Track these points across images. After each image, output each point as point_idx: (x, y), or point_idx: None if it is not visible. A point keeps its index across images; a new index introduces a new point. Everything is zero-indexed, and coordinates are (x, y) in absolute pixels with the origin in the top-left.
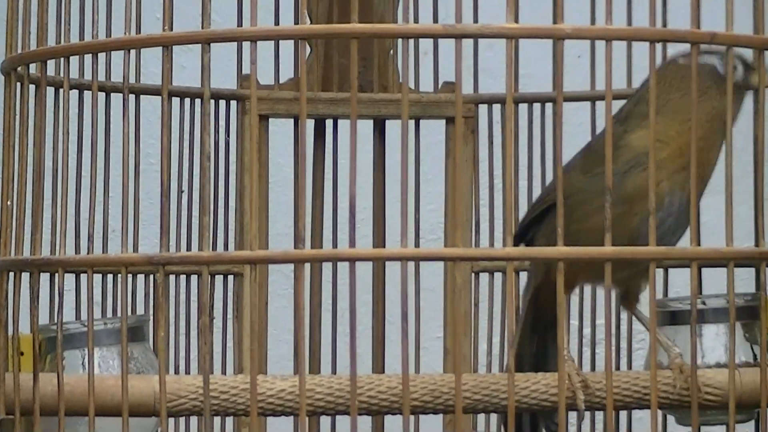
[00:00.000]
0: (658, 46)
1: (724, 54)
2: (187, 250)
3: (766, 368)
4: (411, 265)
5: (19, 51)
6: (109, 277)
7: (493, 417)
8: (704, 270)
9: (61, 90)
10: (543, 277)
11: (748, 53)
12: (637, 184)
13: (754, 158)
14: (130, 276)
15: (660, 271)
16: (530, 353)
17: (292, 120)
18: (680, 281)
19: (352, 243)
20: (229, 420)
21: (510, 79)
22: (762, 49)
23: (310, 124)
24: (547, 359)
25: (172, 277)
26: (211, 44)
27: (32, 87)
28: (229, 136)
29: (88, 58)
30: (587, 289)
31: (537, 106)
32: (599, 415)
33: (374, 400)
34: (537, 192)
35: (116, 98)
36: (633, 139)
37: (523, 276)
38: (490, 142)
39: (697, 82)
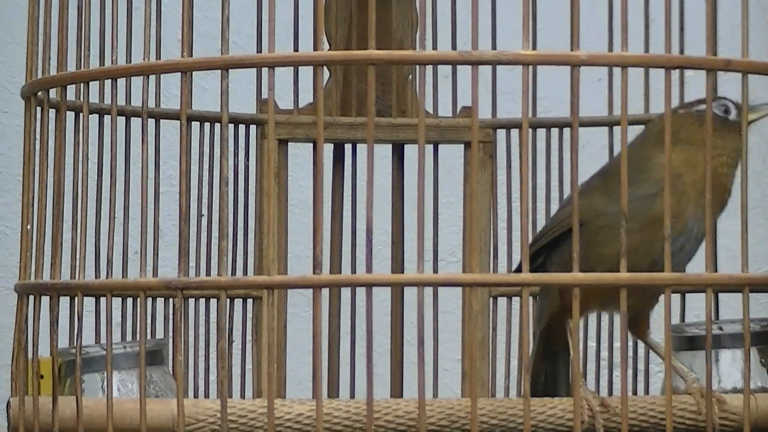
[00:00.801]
0: (674, 73)
1: (720, 101)
2: (206, 274)
3: None
4: (429, 288)
5: (40, 76)
6: (129, 300)
7: None
8: (722, 294)
9: (81, 115)
10: (557, 303)
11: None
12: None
13: None
14: (149, 300)
15: (677, 296)
16: (542, 381)
17: (311, 144)
18: (699, 305)
19: (369, 268)
20: None
21: (526, 105)
22: None
23: (329, 148)
24: (558, 385)
25: (191, 301)
26: (230, 70)
27: (52, 111)
28: (248, 160)
29: (107, 82)
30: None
31: (555, 131)
32: None
33: (391, 425)
34: None
35: (136, 122)
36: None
37: None
38: (509, 167)
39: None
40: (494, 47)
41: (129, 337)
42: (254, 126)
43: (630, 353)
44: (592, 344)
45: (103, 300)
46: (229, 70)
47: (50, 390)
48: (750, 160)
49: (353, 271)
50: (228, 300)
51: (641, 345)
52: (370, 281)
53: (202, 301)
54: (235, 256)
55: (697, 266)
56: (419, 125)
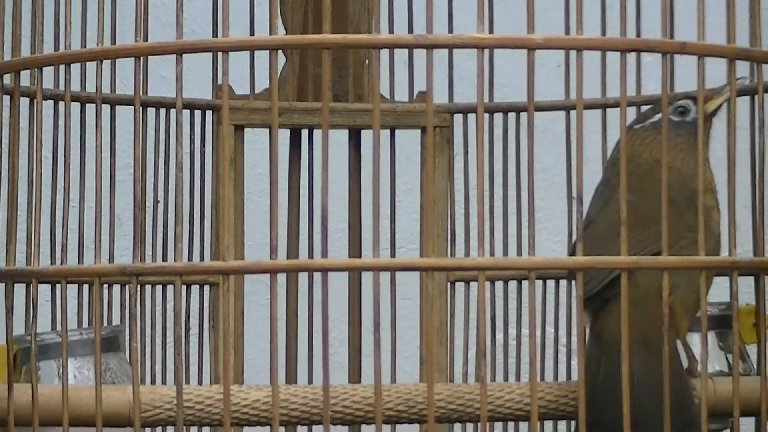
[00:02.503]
0: (632, 57)
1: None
2: (163, 260)
3: (738, 377)
4: (387, 275)
5: None
6: (85, 287)
7: (470, 426)
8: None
9: (35, 100)
10: None
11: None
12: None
13: (728, 168)
14: (105, 286)
15: None
16: None
17: (267, 130)
18: None
19: (325, 253)
20: (206, 430)
21: (481, 89)
22: (733, 59)
23: (285, 134)
24: None
25: (147, 287)
26: (185, 55)
27: (6, 97)
28: (204, 146)
29: (62, 68)
30: (563, 299)
31: (512, 115)
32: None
33: (349, 410)
34: (512, 202)
35: (91, 108)
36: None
37: (499, 285)
38: (465, 152)
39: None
40: (451, 32)
41: (85, 324)
42: (210, 112)
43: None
44: (550, 329)
45: (58, 287)
46: (186, 56)
47: (5, 377)
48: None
49: (310, 257)
50: (185, 286)
51: None
52: (325, 266)
53: (159, 287)
54: (191, 242)
55: None
56: (374, 110)
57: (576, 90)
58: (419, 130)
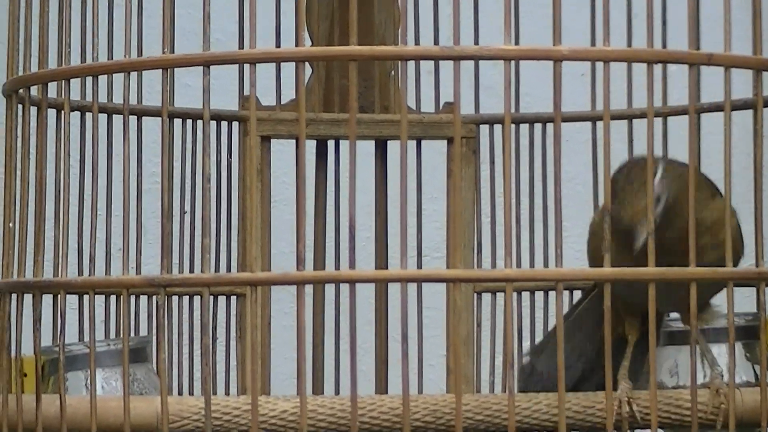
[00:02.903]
0: (657, 67)
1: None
2: (190, 271)
3: (766, 388)
4: (413, 285)
5: (21, 73)
6: (112, 298)
7: None
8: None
9: (62, 112)
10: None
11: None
12: None
13: (754, 178)
14: (132, 297)
15: None
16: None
17: (294, 141)
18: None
19: (352, 264)
20: None
21: (508, 100)
22: (759, 70)
23: (311, 145)
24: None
25: (175, 298)
26: (212, 66)
27: (34, 109)
28: (231, 157)
29: (89, 79)
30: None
31: (538, 126)
32: None
33: (376, 421)
34: (538, 212)
35: (118, 120)
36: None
37: (525, 296)
38: (492, 162)
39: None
40: (476, 43)
41: (112, 335)
42: (237, 123)
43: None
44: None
45: (86, 298)
46: (212, 67)
47: (34, 388)
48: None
49: (337, 267)
50: (211, 297)
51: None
52: (353, 278)
53: (186, 298)
54: (218, 253)
55: None
56: (402, 121)
57: (603, 102)
58: (444, 141)
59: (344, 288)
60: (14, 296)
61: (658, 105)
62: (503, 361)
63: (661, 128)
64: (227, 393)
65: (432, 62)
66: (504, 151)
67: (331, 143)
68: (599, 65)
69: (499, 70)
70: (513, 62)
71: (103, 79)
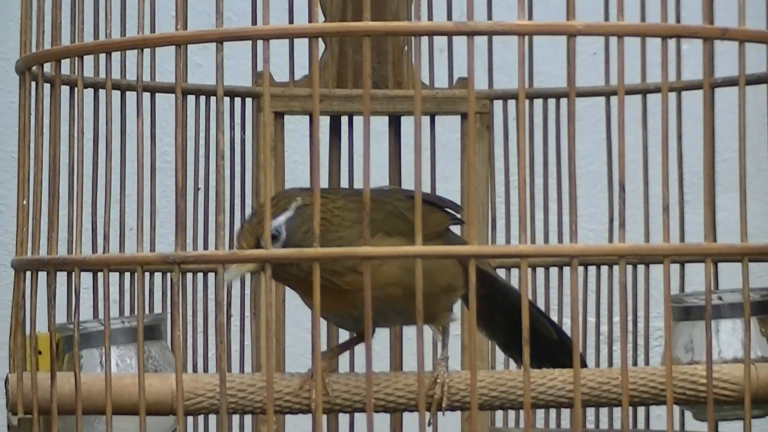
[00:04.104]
0: (671, 42)
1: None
2: (204, 248)
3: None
4: None
5: (34, 50)
6: (126, 275)
7: (511, 413)
8: (721, 265)
9: (76, 89)
10: None
11: None
12: None
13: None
14: (146, 274)
15: (676, 267)
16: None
17: (307, 117)
18: (698, 279)
19: (368, 241)
20: (248, 417)
21: (522, 76)
22: None
23: (325, 121)
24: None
25: (189, 275)
26: (225, 43)
27: (47, 86)
28: (244, 133)
29: (102, 56)
30: (604, 286)
31: (552, 102)
32: (618, 412)
33: (391, 397)
34: (552, 188)
35: (131, 96)
36: None
37: (540, 272)
38: (506, 138)
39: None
40: (489, 19)
41: (126, 313)
42: (250, 99)
43: (629, 327)
44: (591, 319)
45: (100, 275)
46: (225, 44)
47: (48, 366)
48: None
49: None
50: None
51: (641, 319)
52: (369, 254)
53: (200, 275)
54: (231, 230)
55: (696, 237)
56: (416, 96)
57: (618, 77)
58: (457, 117)
59: None
60: (29, 274)
61: (672, 80)
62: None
63: (675, 103)
64: (242, 371)
65: (444, 40)
66: (518, 126)
67: (344, 119)
68: (612, 42)
69: (510, 48)
70: (526, 38)
71: (116, 56)
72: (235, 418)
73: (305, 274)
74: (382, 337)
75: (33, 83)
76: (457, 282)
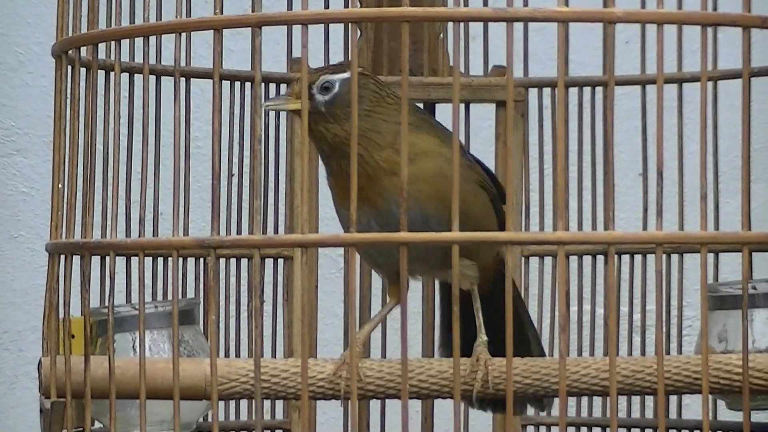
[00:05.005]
0: (709, 30)
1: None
2: (237, 234)
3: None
4: None
5: (70, 34)
6: (160, 260)
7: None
8: (754, 255)
9: (112, 73)
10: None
11: None
12: None
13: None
14: (180, 259)
15: (711, 256)
16: None
17: None
18: (727, 269)
19: (403, 226)
20: (279, 403)
21: (561, 62)
22: None
23: None
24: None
25: (222, 260)
26: (262, 28)
27: (83, 70)
28: (279, 119)
29: (139, 41)
30: (638, 275)
31: (587, 90)
32: (649, 401)
33: (425, 384)
34: (587, 176)
35: (167, 81)
36: None
37: (573, 260)
38: (540, 126)
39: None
40: (526, 5)
41: (159, 297)
42: (285, 85)
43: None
44: (624, 308)
45: (134, 259)
46: (261, 29)
47: (82, 350)
48: None
49: None
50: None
51: (674, 308)
52: (405, 240)
53: (233, 261)
54: (265, 216)
55: (732, 225)
56: (454, 84)
57: (657, 65)
58: (489, 105)
59: None
60: (63, 257)
61: (708, 69)
62: (550, 325)
63: (712, 92)
64: (274, 356)
65: (478, 27)
66: (557, 114)
67: None
68: (650, 29)
69: (544, 36)
70: (564, 25)
71: (152, 41)
72: (266, 402)
73: (341, 139)
74: (414, 321)
75: (69, 67)
76: (490, 223)
